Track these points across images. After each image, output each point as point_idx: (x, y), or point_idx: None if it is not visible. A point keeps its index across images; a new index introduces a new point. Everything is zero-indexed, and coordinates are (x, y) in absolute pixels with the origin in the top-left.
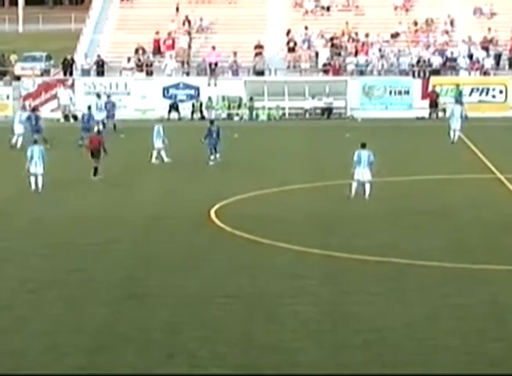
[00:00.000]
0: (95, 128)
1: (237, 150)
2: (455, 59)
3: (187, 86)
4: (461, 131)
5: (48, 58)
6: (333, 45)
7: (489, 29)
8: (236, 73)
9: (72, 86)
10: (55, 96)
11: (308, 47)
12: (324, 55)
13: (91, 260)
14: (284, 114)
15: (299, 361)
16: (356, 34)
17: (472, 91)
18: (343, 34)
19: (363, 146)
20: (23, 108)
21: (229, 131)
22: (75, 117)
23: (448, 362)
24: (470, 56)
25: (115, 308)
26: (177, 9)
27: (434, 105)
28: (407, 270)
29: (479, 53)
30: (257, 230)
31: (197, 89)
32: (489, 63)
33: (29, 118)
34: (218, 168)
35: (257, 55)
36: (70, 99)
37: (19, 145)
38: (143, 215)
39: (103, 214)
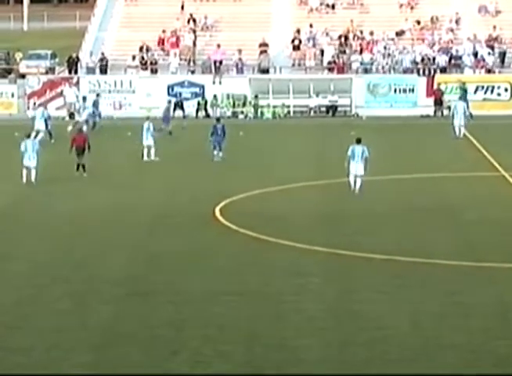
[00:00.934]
0: (83, 127)
1: (242, 147)
2: (460, 57)
3: (192, 84)
4: (466, 129)
5: (53, 56)
6: (340, 44)
7: (494, 27)
8: (240, 71)
9: (77, 84)
10: (60, 94)
11: (313, 45)
12: (329, 53)
13: (96, 257)
14: (289, 112)
15: (303, 359)
16: (361, 31)
17: (477, 89)
18: (348, 31)
19: (358, 141)
20: (45, 105)
21: (235, 129)
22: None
23: (452, 360)
24: (475, 54)
25: (120, 305)
26: (182, 7)
27: (439, 103)
28: (411, 268)
29: (484, 51)
30: (261, 228)
31: (202, 87)
32: (494, 60)
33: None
34: (223, 166)
35: (262, 53)
36: (76, 96)
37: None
38: (148, 212)
39: (108, 211)
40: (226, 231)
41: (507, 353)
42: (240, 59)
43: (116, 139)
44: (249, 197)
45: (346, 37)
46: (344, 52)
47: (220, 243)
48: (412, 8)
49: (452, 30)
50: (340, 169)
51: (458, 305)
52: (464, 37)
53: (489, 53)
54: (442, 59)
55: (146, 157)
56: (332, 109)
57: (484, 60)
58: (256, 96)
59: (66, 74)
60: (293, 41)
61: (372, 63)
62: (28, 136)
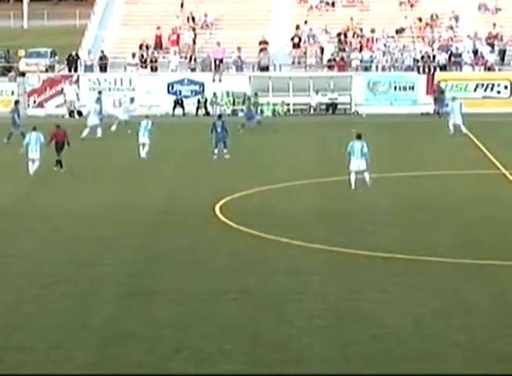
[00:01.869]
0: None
1: (242, 145)
2: (460, 55)
3: (192, 82)
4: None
5: (53, 54)
6: (340, 42)
7: (494, 24)
8: (240, 69)
9: (77, 82)
10: (59, 92)
11: (313, 43)
12: (329, 50)
13: (99, 256)
14: (289, 110)
15: (306, 357)
16: (361, 29)
17: (477, 86)
18: (348, 29)
19: (358, 137)
20: (98, 101)
21: (236, 126)
22: (80, 113)
23: (456, 358)
24: (475, 52)
25: (122, 304)
26: (181, 5)
27: (439, 101)
28: (414, 266)
29: (484, 49)
30: (262, 226)
31: (202, 85)
32: (494, 58)
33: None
34: (223, 163)
35: (261, 50)
36: (76, 94)
37: (99, 134)
38: (149, 210)
39: (110, 210)
40: (227, 229)
41: (510, 352)
42: (240, 57)
43: (116, 137)
44: (249, 195)
45: (346, 35)
46: (344, 49)
47: (221, 241)
48: (412, 5)
49: (451, 28)
50: (340, 167)
51: (460, 303)
52: (464, 35)
53: (489, 51)
54: (442, 57)
55: (144, 155)
56: (332, 107)
57: (484, 58)
58: (256, 94)
59: (66, 72)
60: (292, 38)
61: (372, 61)
62: (34, 129)
